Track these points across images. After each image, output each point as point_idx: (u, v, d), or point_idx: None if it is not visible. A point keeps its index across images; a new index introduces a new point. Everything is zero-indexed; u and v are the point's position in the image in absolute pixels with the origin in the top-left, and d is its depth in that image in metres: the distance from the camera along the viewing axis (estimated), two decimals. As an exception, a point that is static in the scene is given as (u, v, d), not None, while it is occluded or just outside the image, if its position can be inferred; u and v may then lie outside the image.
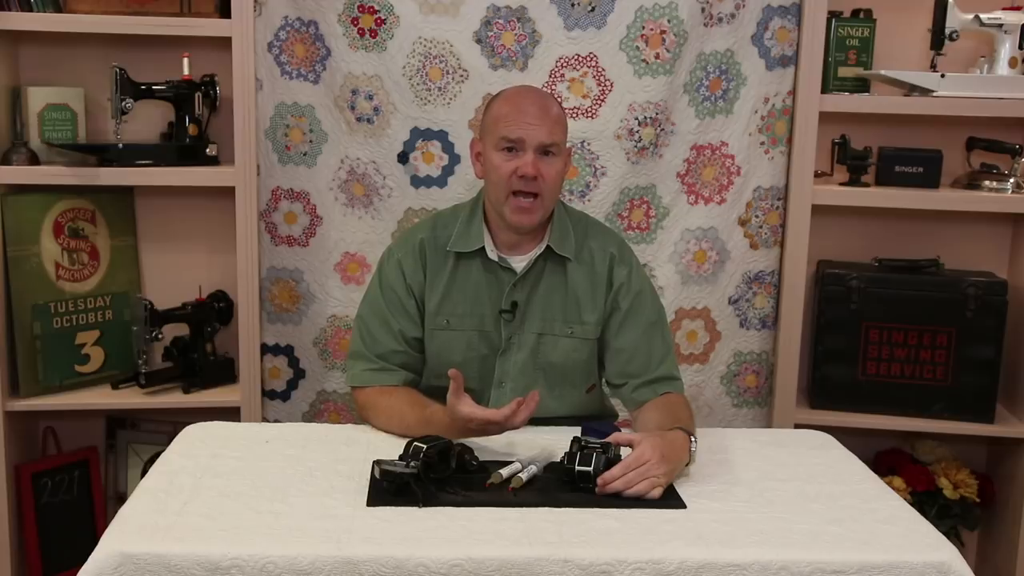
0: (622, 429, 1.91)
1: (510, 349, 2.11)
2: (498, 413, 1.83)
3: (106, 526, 1.60)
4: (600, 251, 2.12)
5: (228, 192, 2.55)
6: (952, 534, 2.64)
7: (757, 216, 2.67)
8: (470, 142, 2.15)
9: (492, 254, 2.09)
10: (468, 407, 1.85)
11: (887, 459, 2.78)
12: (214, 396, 2.65)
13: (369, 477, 1.74)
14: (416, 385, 2.14)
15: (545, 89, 2.54)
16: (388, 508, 1.64)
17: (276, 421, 2.71)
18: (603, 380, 2.22)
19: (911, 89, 2.61)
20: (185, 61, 2.58)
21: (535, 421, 1.95)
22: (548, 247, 2.09)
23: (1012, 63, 2.60)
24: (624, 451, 1.78)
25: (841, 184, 2.68)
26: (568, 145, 2.11)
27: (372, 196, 2.62)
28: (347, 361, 2.20)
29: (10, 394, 2.54)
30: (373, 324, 2.12)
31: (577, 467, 1.73)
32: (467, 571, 1.49)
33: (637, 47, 2.54)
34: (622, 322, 2.10)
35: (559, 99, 2.54)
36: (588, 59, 2.55)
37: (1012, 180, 2.63)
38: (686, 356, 2.71)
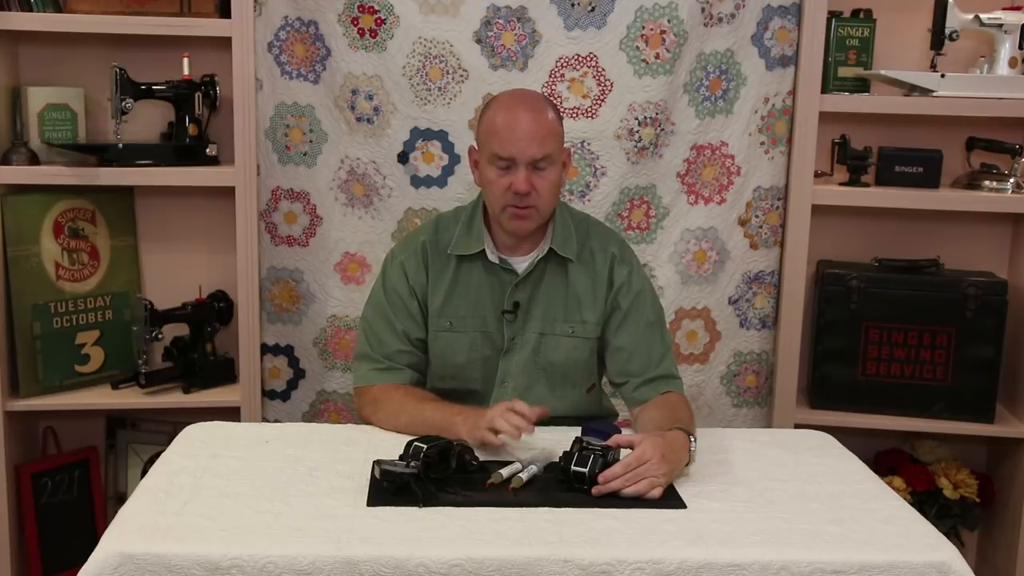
0: (622, 429, 1.91)
1: (512, 349, 2.12)
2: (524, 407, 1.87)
3: (106, 526, 1.60)
4: (601, 251, 2.13)
5: (228, 192, 2.56)
6: (952, 534, 2.64)
7: (757, 216, 2.67)
8: (468, 149, 2.16)
9: (492, 256, 2.10)
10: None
11: (887, 459, 2.78)
12: (214, 396, 2.65)
13: (369, 477, 1.74)
14: (421, 386, 2.16)
15: (544, 90, 2.54)
16: (388, 508, 1.65)
17: (276, 421, 2.71)
18: (603, 379, 2.23)
19: (911, 89, 2.61)
20: (185, 61, 2.58)
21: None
22: (551, 249, 2.10)
23: (1012, 63, 2.60)
24: (624, 452, 1.78)
25: (841, 184, 2.68)
26: (566, 146, 2.12)
27: (372, 196, 2.62)
28: (352, 363, 2.22)
29: (10, 394, 2.54)
30: (378, 326, 2.14)
31: (573, 467, 1.73)
32: (467, 571, 1.49)
33: (637, 47, 2.54)
34: (622, 321, 2.11)
35: (558, 99, 2.55)
36: (588, 59, 2.55)
37: (1012, 180, 2.63)
38: (686, 356, 2.71)
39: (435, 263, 2.13)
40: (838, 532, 1.62)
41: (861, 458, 2.00)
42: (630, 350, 2.10)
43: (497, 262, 2.10)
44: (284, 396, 2.74)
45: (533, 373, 2.12)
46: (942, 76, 2.57)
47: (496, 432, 1.85)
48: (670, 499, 1.72)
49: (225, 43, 2.49)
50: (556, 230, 2.11)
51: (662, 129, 2.59)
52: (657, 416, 1.98)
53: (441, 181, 2.60)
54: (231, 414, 2.60)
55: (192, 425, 2.04)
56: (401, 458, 1.73)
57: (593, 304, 2.11)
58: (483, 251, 2.10)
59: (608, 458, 1.73)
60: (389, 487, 1.68)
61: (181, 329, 2.69)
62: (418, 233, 2.20)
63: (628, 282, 2.12)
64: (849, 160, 2.65)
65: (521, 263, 2.11)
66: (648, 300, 2.14)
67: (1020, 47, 2.59)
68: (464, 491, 1.71)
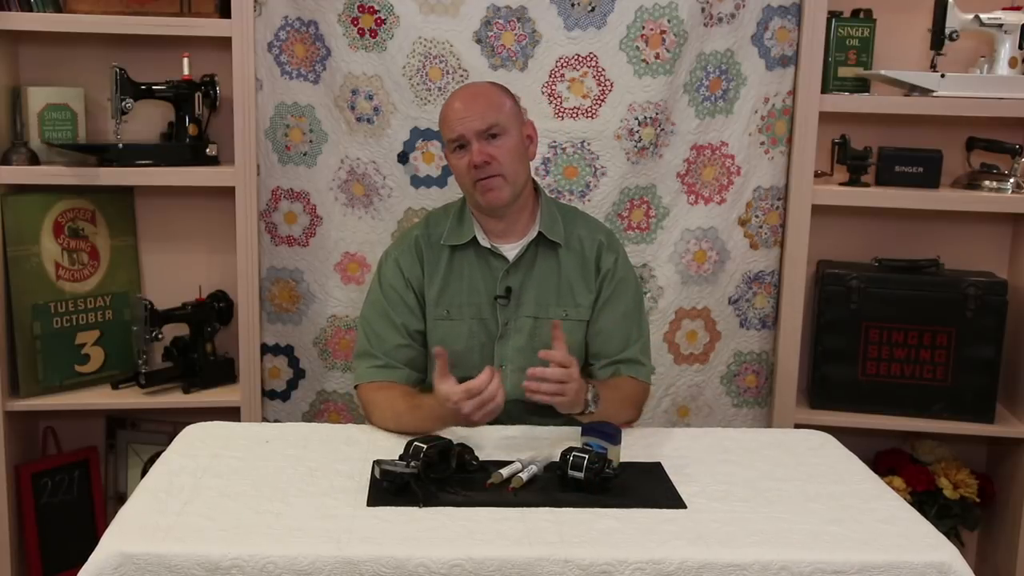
0: (622, 431, 1.90)
1: (507, 334, 2.16)
2: (472, 383, 1.85)
3: (106, 526, 1.61)
4: (589, 238, 2.20)
5: (228, 192, 2.56)
6: (952, 534, 2.64)
7: (757, 216, 2.67)
8: (444, 150, 2.22)
9: (484, 242, 2.15)
10: (447, 385, 1.88)
11: (887, 459, 2.78)
12: (214, 396, 2.65)
13: (369, 477, 1.74)
14: (420, 383, 2.17)
15: (544, 90, 2.55)
16: (388, 508, 1.65)
17: (276, 421, 2.71)
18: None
19: (911, 89, 2.61)
20: (185, 61, 2.58)
21: (535, 412, 1.96)
22: (540, 233, 2.15)
23: (1012, 63, 2.60)
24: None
25: (841, 184, 2.68)
26: (528, 120, 2.20)
27: (372, 196, 2.62)
28: (353, 362, 2.23)
29: (10, 394, 2.54)
30: (377, 322, 2.16)
31: (573, 453, 1.75)
32: (467, 571, 1.49)
33: (637, 47, 2.54)
34: (603, 306, 2.18)
35: (558, 99, 2.55)
36: (588, 59, 2.55)
37: (1012, 180, 2.63)
38: (686, 356, 2.71)
39: (429, 255, 2.18)
40: (838, 532, 1.62)
41: (861, 458, 2.00)
42: (606, 334, 2.17)
43: (489, 248, 2.15)
44: (284, 396, 2.74)
45: (530, 356, 2.13)
46: (942, 76, 2.56)
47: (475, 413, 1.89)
48: (670, 499, 1.72)
49: (225, 43, 2.49)
50: (543, 216, 2.17)
51: (662, 129, 2.59)
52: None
53: (441, 181, 2.60)
54: (231, 414, 2.60)
55: (192, 425, 2.04)
56: (401, 458, 1.73)
57: (585, 288, 2.17)
58: (475, 239, 2.15)
59: (605, 465, 1.73)
60: (389, 487, 1.69)
61: (181, 329, 2.69)
62: (411, 230, 2.26)
63: (613, 269, 2.18)
64: (849, 160, 2.65)
65: (512, 249, 2.16)
66: (630, 288, 2.21)
67: (1020, 47, 2.59)
68: (464, 491, 1.71)
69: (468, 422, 1.89)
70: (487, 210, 2.12)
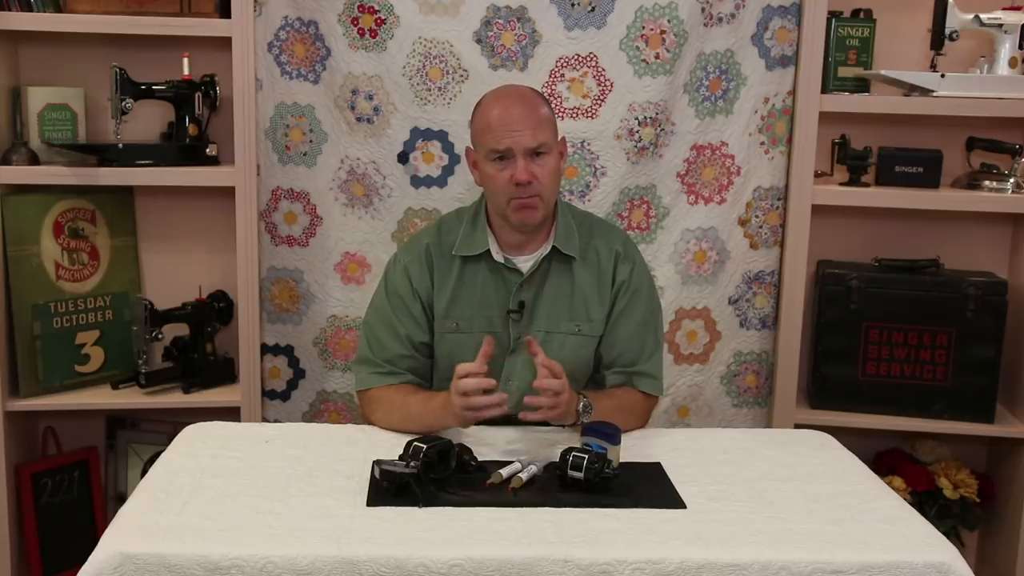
0: (621, 432, 1.90)
1: (518, 349, 2.14)
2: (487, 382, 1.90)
3: (106, 526, 1.61)
4: (605, 249, 2.16)
5: (228, 192, 2.56)
6: (952, 534, 2.64)
7: (757, 216, 2.67)
8: (464, 150, 2.19)
9: (497, 255, 2.12)
10: (470, 367, 1.90)
11: (887, 459, 2.78)
12: (214, 396, 2.65)
13: (369, 477, 1.74)
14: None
15: (544, 90, 2.54)
16: (388, 508, 1.65)
17: (276, 421, 2.72)
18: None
19: (911, 89, 2.61)
20: (185, 61, 2.58)
21: (537, 421, 1.96)
22: (554, 247, 2.11)
23: (1012, 63, 2.60)
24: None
25: (841, 184, 2.68)
26: (561, 136, 2.15)
27: (372, 196, 2.62)
28: (353, 366, 2.23)
29: (10, 394, 2.54)
30: (380, 330, 2.14)
31: (573, 453, 1.75)
32: (467, 571, 1.49)
33: (637, 47, 2.54)
34: (617, 317, 2.15)
35: (558, 99, 2.55)
36: (588, 59, 2.55)
37: (1012, 180, 2.63)
38: (686, 356, 2.71)
39: (440, 265, 2.14)
40: (838, 532, 1.62)
41: (861, 458, 2.00)
42: (621, 344, 2.15)
43: (503, 261, 2.11)
44: (284, 396, 2.74)
45: (535, 372, 2.12)
46: (942, 76, 2.56)
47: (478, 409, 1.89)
48: (670, 499, 1.72)
49: (225, 43, 2.49)
50: (559, 228, 2.13)
51: (662, 129, 2.59)
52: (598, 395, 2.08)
53: (441, 181, 2.60)
54: (231, 414, 2.60)
55: (192, 425, 2.04)
56: (401, 458, 1.73)
57: (600, 302, 2.14)
58: (487, 251, 2.12)
59: (605, 465, 1.74)
60: (389, 487, 1.69)
61: (181, 329, 2.69)
62: (421, 236, 2.22)
63: (628, 279, 2.15)
64: (849, 160, 2.65)
65: (525, 262, 2.12)
66: (643, 298, 2.17)
67: (1020, 47, 2.59)
68: (464, 491, 1.71)
69: (463, 415, 1.90)
70: (515, 226, 2.09)
